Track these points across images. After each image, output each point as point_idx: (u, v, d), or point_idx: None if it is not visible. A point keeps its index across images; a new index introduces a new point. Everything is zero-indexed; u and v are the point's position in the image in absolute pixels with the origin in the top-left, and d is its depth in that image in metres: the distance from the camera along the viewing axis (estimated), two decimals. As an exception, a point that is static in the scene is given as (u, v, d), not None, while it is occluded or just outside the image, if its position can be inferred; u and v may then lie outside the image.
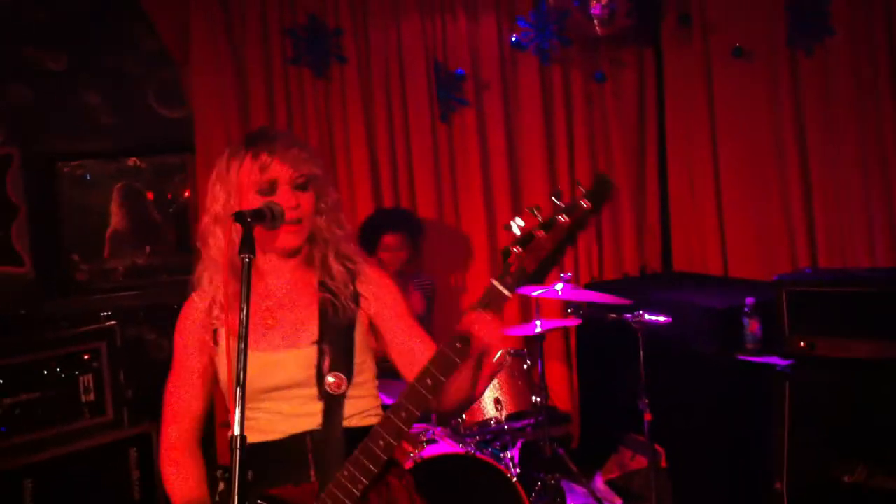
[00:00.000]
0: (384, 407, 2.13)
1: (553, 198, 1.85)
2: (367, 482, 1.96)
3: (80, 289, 4.99)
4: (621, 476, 4.60)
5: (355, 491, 1.96)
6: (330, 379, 2.09)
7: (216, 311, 2.18)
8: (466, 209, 5.33)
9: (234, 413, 1.79)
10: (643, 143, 5.58)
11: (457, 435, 3.98)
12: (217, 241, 2.17)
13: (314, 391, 2.10)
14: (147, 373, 4.68)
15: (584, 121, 5.44)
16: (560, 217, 1.83)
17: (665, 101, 5.49)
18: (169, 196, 5.20)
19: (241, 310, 1.85)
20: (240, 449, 1.78)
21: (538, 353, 4.28)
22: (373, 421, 2.14)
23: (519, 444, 4.13)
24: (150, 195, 5.16)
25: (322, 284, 2.18)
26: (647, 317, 3.91)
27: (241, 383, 1.82)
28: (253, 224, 1.97)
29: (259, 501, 2.03)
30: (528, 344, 4.45)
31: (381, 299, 2.22)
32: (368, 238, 4.52)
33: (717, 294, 4.53)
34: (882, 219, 4.67)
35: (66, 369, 4.15)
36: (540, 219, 1.84)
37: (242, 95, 5.00)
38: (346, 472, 1.97)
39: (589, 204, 1.82)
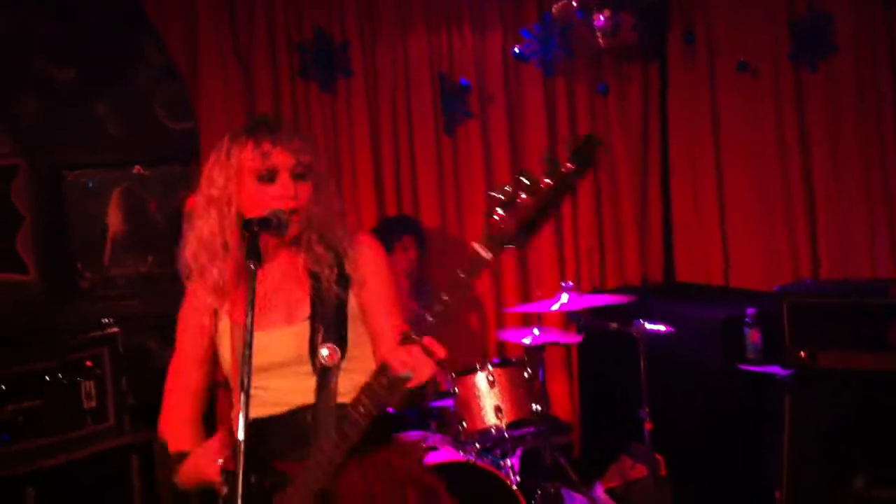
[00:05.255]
0: None
1: (544, 162, 1.83)
2: (345, 449, 1.98)
3: (84, 296, 5.01)
4: (622, 485, 4.59)
5: (336, 457, 1.99)
6: (324, 352, 2.10)
7: (216, 298, 2.20)
8: (470, 220, 5.33)
9: (238, 417, 1.82)
10: (646, 154, 5.59)
11: (457, 443, 3.98)
12: (210, 224, 2.18)
13: (308, 367, 2.12)
14: (149, 380, 4.69)
15: (588, 132, 5.45)
16: (543, 180, 1.80)
17: (669, 113, 5.51)
18: (174, 206, 5.22)
19: (246, 316, 1.88)
20: (243, 454, 1.80)
21: (539, 362, 4.29)
22: None
23: (519, 452, 4.11)
24: (153, 203, 5.17)
25: (310, 268, 2.19)
26: (648, 326, 3.91)
27: (244, 388, 1.84)
28: (260, 232, 2.01)
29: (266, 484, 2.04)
30: (528, 352, 4.46)
31: (366, 284, 2.21)
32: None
33: (718, 304, 4.54)
34: (884, 231, 4.69)
35: (69, 376, 4.17)
36: (526, 182, 1.82)
37: (249, 108, 5.01)
38: (328, 440, 2.00)
39: (572, 165, 1.79)
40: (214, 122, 4.97)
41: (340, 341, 2.13)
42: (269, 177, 2.12)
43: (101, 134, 5.09)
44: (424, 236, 4.81)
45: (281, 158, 2.12)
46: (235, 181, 2.15)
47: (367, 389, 1.93)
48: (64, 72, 5.01)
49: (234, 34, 5.00)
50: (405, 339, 1.86)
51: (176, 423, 2.26)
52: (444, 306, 1.85)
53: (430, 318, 1.85)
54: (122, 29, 5.07)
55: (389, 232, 4.60)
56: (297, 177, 2.14)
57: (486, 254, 1.83)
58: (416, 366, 1.84)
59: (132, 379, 4.37)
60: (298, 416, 2.11)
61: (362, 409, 1.94)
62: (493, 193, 1.85)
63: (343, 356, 2.13)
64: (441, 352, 1.85)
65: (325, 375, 2.11)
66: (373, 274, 2.22)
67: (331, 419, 2.07)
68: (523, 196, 1.81)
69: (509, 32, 5.32)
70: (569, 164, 1.79)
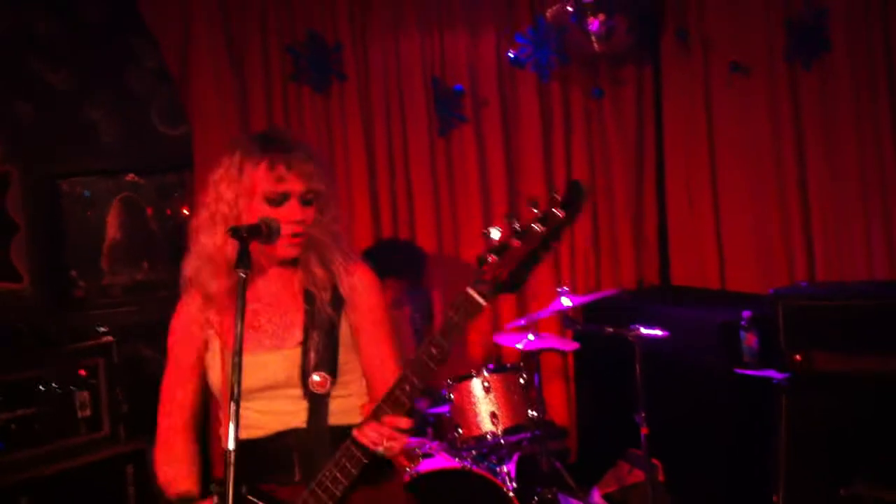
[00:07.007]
0: None
1: (530, 205, 1.83)
2: (346, 483, 1.99)
3: (78, 305, 4.99)
4: (619, 490, 4.58)
5: (336, 492, 1.99)
6: (315, 378, 2.12)
7: (211, 314, 2.19)
8: (464, 225, 5.33)
9: (228, 427, 1.81)
10: (641, 158, 5.59)
11: (453, 449, 3.97)
12: (215, 239, 2.15)
13: (298, 391, 2.12)
14: (144, 389, 4.68)
15: (583, 137, 5.44)
16: (534, 226, 1.80)
17: (664, 116, 5.50)
18: (168, 213, 5.20)
19: (236, 325, 1.87)
20: (234, 464, 1.79)
21: (535, 367, 4.28)
22: (359, 419, 2.15)
23: (515, 458, 4.11)
24: (148, 210, 5.16)
25: (306, 288, 2.19)
26: (643, 330, 3.91)
27: (234, 398, 1.83)
28: (249, 240, 1.99)
29: (250, 497, 2.03)
30: (524, 358, 4.45)
31: (360, 311, 2.22)
32: None
33: (714, 308, 4.53)
34: (880, 232, 4.69)
35: (63, 385, 4.15)
36: (516, 227, 1.82)
37: (242, 112, 5.01)
38: (327, 473, 2.00)
39: (562, 213, 1.79)
40: (208, 126, 4.96)
41: (331, 368, 2.14)
42: (279, 200, 2.12)
43: (95, 140, 5.06)
44: (421, 264, 4.74)
45: (294, 184, 2.12)
46: (246, 200, 2.13)
47: (345, 452, 2.00)
48: (58, 75, 4.98)
49: (228, 37, 4.99)
50: (374, 416, 1.93)
51: (172, 458, 2.24)
52: (440, 349, 1.91)
53: (427, 361, 1.91)
54: (117, 32, 5.05)
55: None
56: (306, 202, 2.14)
57: (481, 300, 1.87)
58: (386, 443, 1.93)
59: (127, 386, 4.36)
60: (281, 439, 2.11)
61: (348, 464, 1.99)
62: (491, 234, 1.86)
63: (333, 383, 2.14)
64: (406, 425, 1.93)
65: (316, 400, 2.12)
66: (366, 302, 2.23)
67: (325, 441, 2.09)
68: (515, 242, 1.81)
69: (503, 35, 5.32)
70: (561, 211, 1.79)
